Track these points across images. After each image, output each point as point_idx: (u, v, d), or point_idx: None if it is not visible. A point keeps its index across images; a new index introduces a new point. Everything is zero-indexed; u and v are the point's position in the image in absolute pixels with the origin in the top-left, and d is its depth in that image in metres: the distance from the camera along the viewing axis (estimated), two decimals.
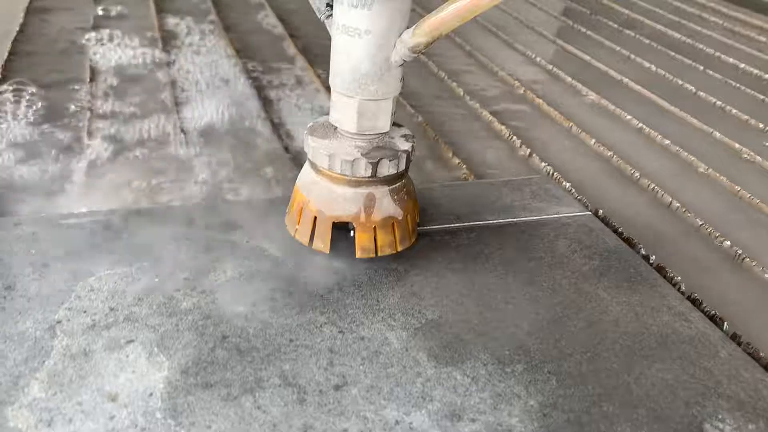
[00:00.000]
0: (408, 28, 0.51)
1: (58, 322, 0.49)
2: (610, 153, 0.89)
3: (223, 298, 0.52)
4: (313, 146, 0.56)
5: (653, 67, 1.23)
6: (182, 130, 0.82)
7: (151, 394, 0.44)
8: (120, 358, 0.46)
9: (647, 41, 1.40)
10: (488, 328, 0.52)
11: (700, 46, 1.40)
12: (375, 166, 0.54)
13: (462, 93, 1.05)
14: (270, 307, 0.52)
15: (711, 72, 1.24)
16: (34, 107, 0.84)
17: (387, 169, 0.55)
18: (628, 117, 1.01)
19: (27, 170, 0.70)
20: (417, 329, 0.51)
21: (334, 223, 0.56)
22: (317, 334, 0.50)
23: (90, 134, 0.79)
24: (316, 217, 0.56)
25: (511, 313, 0.54)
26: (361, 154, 0.54)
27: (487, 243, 0.62)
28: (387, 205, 0.56)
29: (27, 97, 0.86)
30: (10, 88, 0.88)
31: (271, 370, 0.46)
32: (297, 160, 0.77)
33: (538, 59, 1.23)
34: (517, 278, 0.58)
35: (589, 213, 0.69)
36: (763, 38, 1.49)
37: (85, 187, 0.68)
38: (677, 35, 1.46)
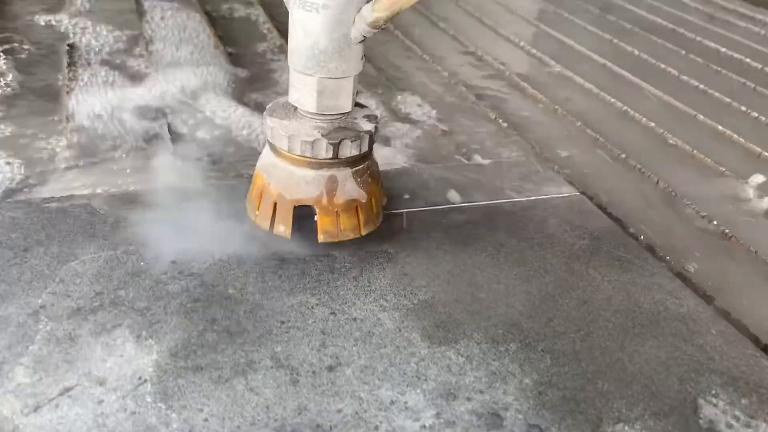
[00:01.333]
0: (368, 2, 0.49)
1: (42, 306, 0.47)
2: (596, 135, 0.89)
3: (212, 281, 0.51)
4: (272, 127, 0.54)
5: (636, 51, 1.23)
6: None
7: (140, 378, 0.43)
8: (107, 342, 0.45)
9: (629, 26, 1.40)
10: (481, 307, 0.52)
11: (681, 30, 1.40)
12: (336, 147, 0.52)
13: (447, 75, 1.04)
14: (260, 289, 0.51)
15: (692, 56, 1.24)
16: None
17: (349, 150, 0.53)
18: (612, 100, 1.01)
19: None
20: (409, 309, 0.51)
21: (296, 207, 0.54)
22: (309, 315, 0.49)
23: None
24: (276, 202, 0.55)
25: (503, 292, 0.53)
26: (322, 135, 0.53)
27: (478, 224, 0.62)
28: (350, 187, 0.54)
29: None
30: None
31: (263, 352, 0.46)
32: None
33: (521, 43, 1.23)
34: (508, 258, 0.58)
35: (578, 194, 0.69)
36: (742, 23, 1.50)
37: None
38: (658, 20, 1.46)
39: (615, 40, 1.29)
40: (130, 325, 0.47)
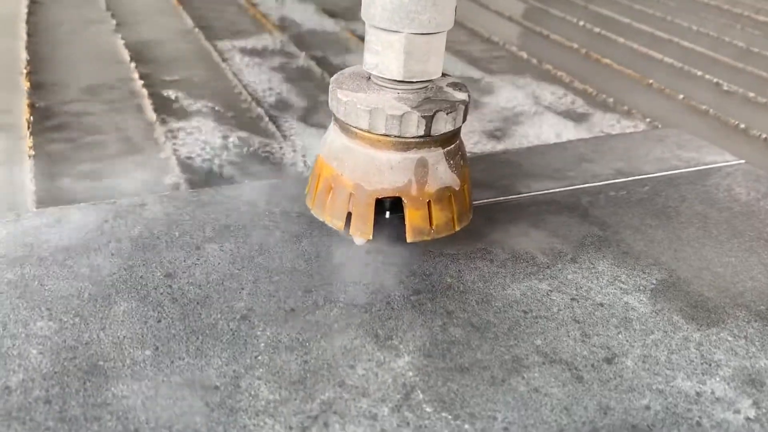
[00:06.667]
0: None
1: (250, 309, 0.40)
2: (704, 107, 0.84)
3: (422, 269, 0.45)
4: (345, 101, 0.43)
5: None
6: None
7: (404, 384, 0.36)
8: (346, 346, 0.38)
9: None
10: (726, 283, 0.46)
11: None
12: (429, 121, 0.42)
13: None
14: (478, 276, 0.45)
15: None
16: None
17: (444, 125, 0.43)
18: (708, 76, 0.97)
19: None
20: (654, 291, 0.45)
21: (378, 200, 0.44)
22: (549, 303, 0.43)
23: None
24: (352, 195, 0.44)
25: (739, 265, 0.48)
26: (411, 107, 0.43)
27: (666, 196, 0.56)
28: (443, 172, 0.45)
29: None
30: None
31: (524, 347, 0.39)
32: None
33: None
34: (721, 230, 0.52)
35: (744, 161, 0.64)
36: None
37: None
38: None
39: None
40: (360, 323, 0.40)
